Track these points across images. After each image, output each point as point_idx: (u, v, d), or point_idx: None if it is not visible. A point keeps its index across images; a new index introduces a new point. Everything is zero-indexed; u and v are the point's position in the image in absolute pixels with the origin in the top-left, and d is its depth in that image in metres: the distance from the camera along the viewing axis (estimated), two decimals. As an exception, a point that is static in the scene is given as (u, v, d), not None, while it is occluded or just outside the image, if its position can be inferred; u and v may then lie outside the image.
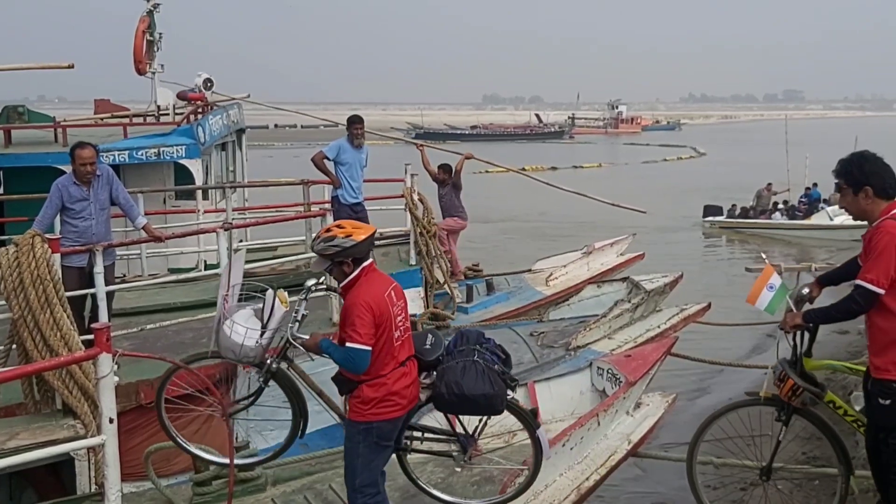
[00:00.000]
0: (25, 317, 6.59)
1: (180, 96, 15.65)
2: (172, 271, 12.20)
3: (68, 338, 6.68)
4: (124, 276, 11.76)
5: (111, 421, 4.54)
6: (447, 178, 14.40)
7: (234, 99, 16.75)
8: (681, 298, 12.52)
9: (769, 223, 30.27)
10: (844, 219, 28.77)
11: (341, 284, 5.37)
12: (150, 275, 11.47)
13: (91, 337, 5.01)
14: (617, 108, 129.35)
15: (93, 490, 6.50)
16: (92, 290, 7.85)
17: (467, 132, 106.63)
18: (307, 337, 5.54)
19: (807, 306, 5.70)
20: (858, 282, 5.03)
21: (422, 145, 15.76)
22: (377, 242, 13.21)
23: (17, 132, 13.78)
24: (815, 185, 31.42)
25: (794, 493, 6.25)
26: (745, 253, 28.35)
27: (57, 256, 7.09)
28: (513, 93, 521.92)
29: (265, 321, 5.67)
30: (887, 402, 5.03)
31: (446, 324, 12.06)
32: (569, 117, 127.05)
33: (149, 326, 8.69)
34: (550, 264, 15.78)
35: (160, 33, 15.63)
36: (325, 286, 6.17)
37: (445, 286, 13.23)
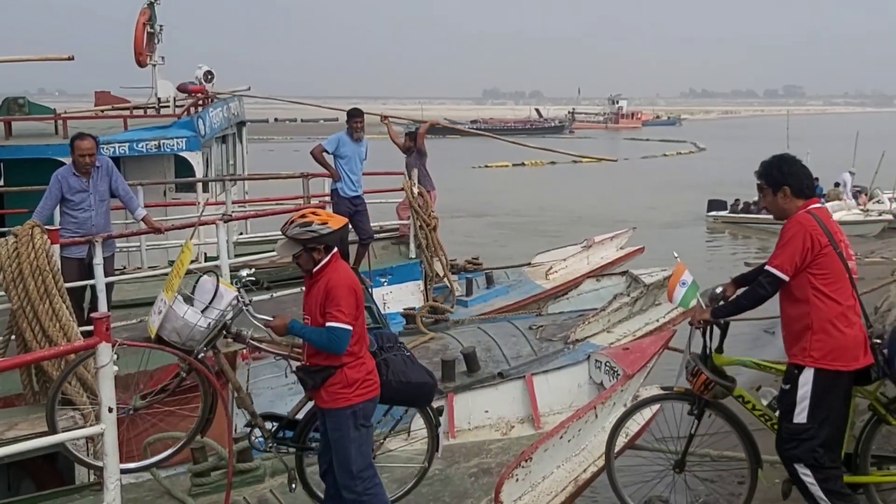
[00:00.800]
0: (24, 307, 6.59)
1: (181, 89, 15.65)
2: (172, 263, 12.19)
3: (67, 328, 6.69)
4: (124, 267, 11.77)
5: (111, 410, 4.54)
6: (412, 146, 14.42)
7: (234, 92, 16.76)
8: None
9: (770, 218, 30.21)
10: (843, 214, 28.80)
11: (311, 270, 5.40)
12: (149, 267, 11.47)
13: (90, 328, 5.02)
14: (617, 102, 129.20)
15: (91, 480, 6.51)
16: (91, 282, 7.86)
17: (467, 127, 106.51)
18: (269, 318, 5.56)
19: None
20: (766, 267, 5.29)
21: (386, 118, 15.76)
22: (377, 236, 13.29)
23: (17, 124, 13.78)
24: (816, 179, 31.35)
25: (708, 485, 6.32)
26: (747, 248, 28.34)
27: (56, 247, 7.10)
28: (513, 87, 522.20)
29: (209, 304, 5.73)
30: (787, 386, 5.30)
31: (445, 317, 12.07)
32: (569, 112, 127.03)
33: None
34: (550, 258, 15.80)
35: (161, 26, 15.64)
36: (254, 278, 6.16)
37: (445, 279, 13.26)
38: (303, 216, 5.43)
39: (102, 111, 16.26)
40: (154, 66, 15.59)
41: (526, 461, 6.30)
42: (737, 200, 31.57)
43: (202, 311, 5.77)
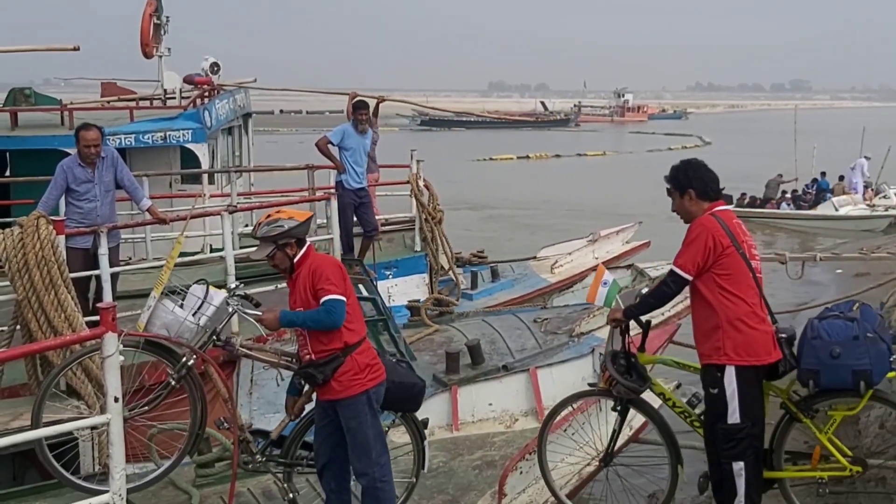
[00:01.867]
0: (30, 298, 6.62)
1: (187, 80, 15.65)
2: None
3: (72, 319, 6.71)
4: (130, 258, 11.78)
5: (116, 400, 4.55)
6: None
7: (241, 84, 16.75)
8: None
9: (776, 213, 30.17)
10: (849, 209, 28.76)
11: (294, 261, 5.52)
12: (154, 258, 11.48)
13: (96, 318, 5.03)
14: (623, 96, 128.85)
15: (97, 470, 6.52)
16: (96, 272, 7.86)
17: (473, 119, 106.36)
18: (259, 312, 5.67)
19: None
20: (671, 267, 5.44)
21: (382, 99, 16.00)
22: (383, 228, 13.29)
23: (23, 115, 13.78)
24: (823, 174, 31.32)
25: (633, 479, 6.39)
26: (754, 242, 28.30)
27: (61, 238, 7.11)
28: (519, 80, 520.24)
29: (200, 305, 5.77)
30: (715, 389, 5.38)
31: (450, 310, 12.08)
32: (575, 105, 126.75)
33: (153, 309, 8.70)
34: (555, 252, 15.81)
35: (167, 17, 15.62)
36: (243, 293, 6.22)
37: (450, 272, 13.27)
38: (269, 216, 5.56)
39: (109, 102, 16.26)
40: (160, 57, 15.57)
41: (530, 454, 6.32)
42: (743, 195, 31.49)
43: (193, 314, 5.81)
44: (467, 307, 12.62)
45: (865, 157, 30.21)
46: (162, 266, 9.87)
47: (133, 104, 15.34)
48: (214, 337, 5.80)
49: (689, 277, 5.32)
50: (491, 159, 59.13)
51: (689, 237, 5.37)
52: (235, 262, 8.59)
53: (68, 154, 8.82)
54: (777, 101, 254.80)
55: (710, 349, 5.38)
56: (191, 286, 6.13)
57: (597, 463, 6.18)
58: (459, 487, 6.64)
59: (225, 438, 6.52)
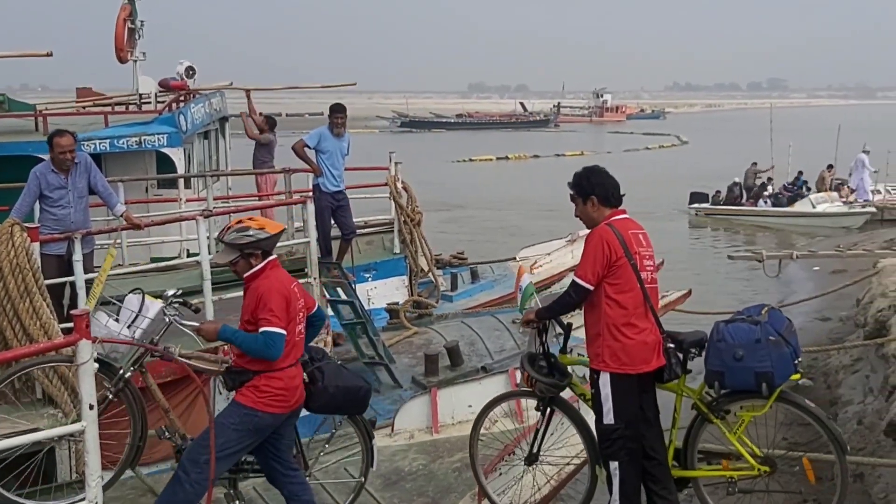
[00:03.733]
0: (4, 305, 6.56)
1: (162, 84, 15.59)
2: (155, 260, 12.16)
3: (48, 326, 6.66)
4: (105, 264, 11.72)
5: (91, 407, 4.53)
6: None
7: (216, 87, 16.70)
8: (666, 285, 12.57)
9: (753, 210, 30.37)
10: (826, 206, 28.95)
11: (245, 275, 5.46)
12: (130, 263, 11.42)
13: (70, 325, 5.00)
14: (602, 96, 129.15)
15: (74, 478, 6.49)
16: (71, 279, 7.81)
17: (453, 120, 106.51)
18: (197, 323, 5.62)
19: None
20: (572, 277, 5.58)
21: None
22: (361, 231, 13.28)
23: (-4, 121, 13.69)
24: (800, 173, 31.54)
25: (556, 479, 6.48)
26: (730, 240, 28.45)
27: (36, 245, 7.06)
28: (498, 81, 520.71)
29: (135, 317, 5.72)
30: (593, 390, 5.63)
31: (429, 311, 12.08)
32: (554, 106, 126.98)
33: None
34: (534, 252, 15.82)
35: (142, 21, 15.55)
36: (181, 300, 6.19)
37: (430, 274, 13.27)
38: (239, 222, 5.49)
39: (84, 107, 16.17)
40: (135, 62, 15.50)
41: (509, 455, 6.33)
42: (718, 192, 31.70)
43: (128, 326, 5.76)
44: (447, 309, 12.63)
45: (865, 152, 30.26)
46: (137, 271, 9.84)
47: (108, 109, 15.25)
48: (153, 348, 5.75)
49: (590, 287, 5.45)
50: (470, 160, 59.19)
51: (587, 247, 5.52)
52: (212, 267, 8.55)
53: (42, 160, 8.75)
54: (754, 100, 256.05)
55: (592, 354, 5.59)
56: (127, 295, 6.06)
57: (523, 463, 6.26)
58: (439, 490, 6.64)
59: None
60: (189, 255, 11.73)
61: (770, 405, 5.43)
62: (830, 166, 31.74)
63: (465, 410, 8.39)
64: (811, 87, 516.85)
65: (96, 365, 4.69)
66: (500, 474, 6.42)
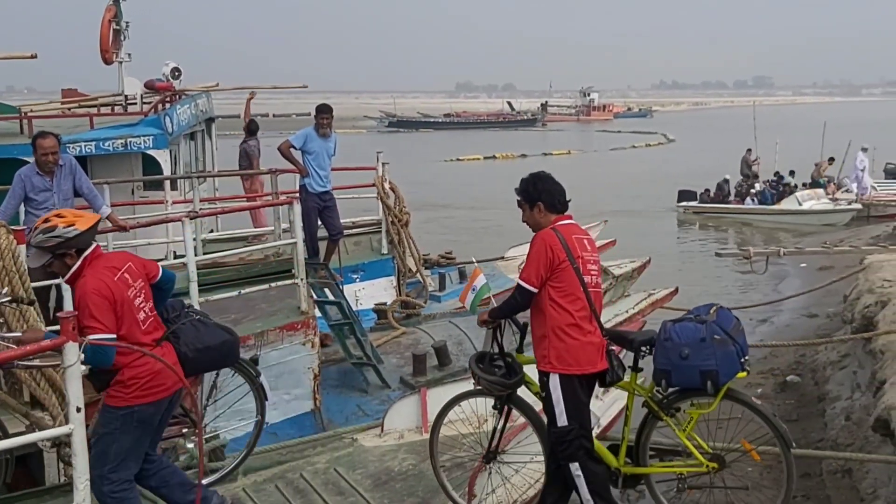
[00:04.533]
0: (-9, 308, 6.52)
1: (148, 86, 15.53)
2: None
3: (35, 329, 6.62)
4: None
5: (78, 410, 4.51)
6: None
7: (203, 88, 16.66)
8: (653, 283, 12.62)
9: (740, 208, 30.46)
10: (812, 203, 29.04)
11: (65, 278, 5.16)
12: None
13: (57, 328, 4.98)
14: (589, 95, 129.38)
15: (62, 481, 6.47)
16: (57, 281, 7.78)
17: (440, 120, 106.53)
18: (20, 333, 5.41)
19: None
20: (517, 280, 5.71)
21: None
22: (349, 232, 13.26)
23: (-19, 124, 13.62)
24: (792, 173, 31.66)
25: (514, 477, 6.48)
26: (718, 238, 28.52)
27: (22, 248, 7.03)
28: (486, 81, 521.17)
29: None
30: (544, 393, 5.71)
31: (417, 312, 12.08)
32: (541, 105, 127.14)
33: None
34: (523, 252, 15.74)
35: (127, 22, 15.49)
36: (9, 298, 5.98)
37: (418, 275, 13.26)
38: (46, 220, 5.13)
39: (69, 109, 16.09)
40: (121, 63, 15.45)
41: (498, 455, 6.34)
42: (706, 190, 31.76)
43: None
44: (436, 309, 12.63)
45: (863, 149, 30.29)
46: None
47: (94, 110, 15.19)
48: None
49: (534, 290, 5.57)
50: (458, 160, 59.18)
51: (531, 251, 5.63)
52: (199, 269, 8.54)
53: (27, 162, 8.73)
54: (740, 98, 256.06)
55: (539, 356, 5.68)
56: None
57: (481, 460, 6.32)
58: (429, 490, 6.64)
59: (192, 447, 6.48)
60: (176, 257, 11.72)
61: (718, 403, 5.52)
62: (832, 159, 31.75)
63: (453, 410, 8.39)
64: (797, 85, 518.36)
65: (84, 368, 4.66)
66: (490, 474, 6.43)
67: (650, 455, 5.87)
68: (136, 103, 15.53)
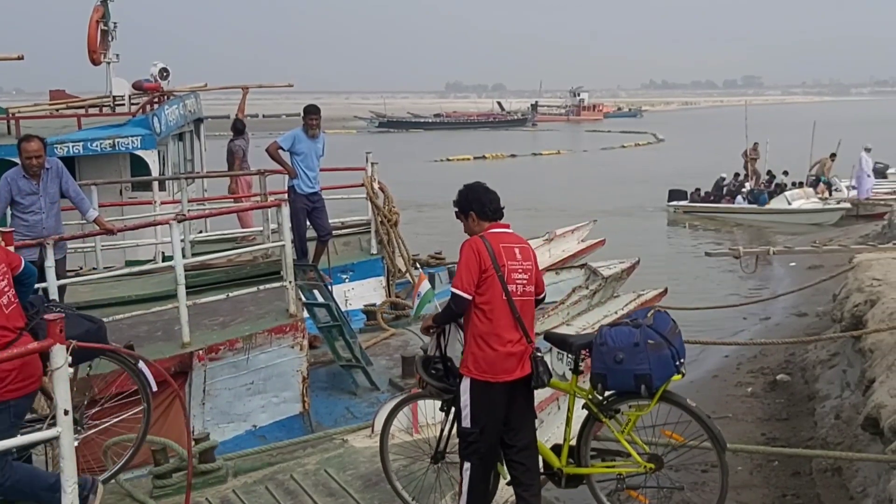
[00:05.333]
0: (-22, 311, 6.48)
1: (136, 86, 15.48)
2: (130, 263, 12.09)
3: (23, 332, 6.58)
4: (80, 268, 11.63)
5: (66, 413, 4.48)
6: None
7: (192, 88, 16.62)
8: (645, 283, 12.63)
9: (730, 208, 30.51)
10: (801, 203, 29.12)
11: None
12: (105, 267, 11.35)
13: (44, 330, 4.94)
14: (579, 95, 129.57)
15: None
16: (43, 285, 7.75)
17: (430, 120, 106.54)
18: None
19: None
20: (451, 289, 5.78)
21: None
22: (338, 232, 13.23)
23: (-33, 125, 13.55)
24: (785, 173, 31.70)
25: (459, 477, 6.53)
26: (708, 238, 28.56)
27: (11, 249, 7.00)
28: (476, 80, 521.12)
29: None
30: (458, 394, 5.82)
31: (406, 313, 12.05)
32: (531, 105, 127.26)
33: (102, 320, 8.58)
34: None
35: (115, 23, 15.44)
36: None
37: (407, 275, 13.24)
38: None
39: (57, 110, 16.04)
40: (109, 63, 15.39)
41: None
42: (697, 190, 31.82)
43: None
44: (425, 310, 12.59)
45: (865, 150, 30.25)
46: (112, 276, 9.76)
47: (81, 111, 15.14)
48: None
49: (466, 295, 5.64)
50: (448, 160, 59.16)
51: (460, 259, 5.73)
52: (187, 271, 8.51)
53: (14, 164, 8.68)
54: (730, 98, 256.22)
55: (469, 360, 5.74)
56: None
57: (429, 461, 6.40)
58: (420, 490, 6.62)
59: (181, 449, 6.46)
60: (164, 259, 11.68)
61: (654, 405, 5.63)
62: (833, 155, 31.74)
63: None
64: (786, 85, 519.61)
65: (71, 370, 4.64)
66: (409, 473, 6.53)
67: (593, 456, 5.99)
68: (124, 104, 15.47)
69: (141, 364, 5.85)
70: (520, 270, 5.76)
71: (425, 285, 7.02)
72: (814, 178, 31.36)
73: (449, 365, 6.02)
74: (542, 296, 6.06)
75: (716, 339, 13.97)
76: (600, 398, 5.80)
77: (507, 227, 5.95)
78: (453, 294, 5.69)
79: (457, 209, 6.03)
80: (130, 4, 17.73)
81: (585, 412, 5.99)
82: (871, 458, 8.15)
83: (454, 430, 6.08)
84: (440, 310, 6.13)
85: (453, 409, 6.10)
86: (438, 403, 6.23)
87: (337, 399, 9.57)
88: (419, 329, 6.38)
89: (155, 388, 5.96)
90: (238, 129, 15.66)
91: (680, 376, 5.61)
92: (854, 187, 30.02)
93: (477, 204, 5.92)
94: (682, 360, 5.60)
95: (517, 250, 5.81)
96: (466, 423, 5.73)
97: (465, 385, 5.73)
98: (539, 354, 5.74)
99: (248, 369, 8.48)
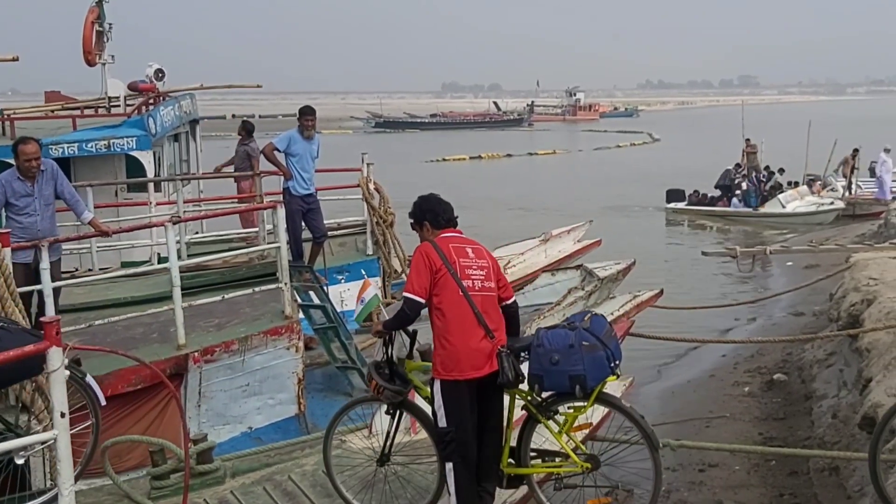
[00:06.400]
0: (-25, 312, 6.49)
1: (131, 87, 15.47)
2: (125, 265, 12.08)
3: (19, 334, 6.57)
4: (76, 269, 11.62)
5: (63, 415, 4.48)
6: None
7: (187, 89, 16.60)
8: (641, 284, 12.62)
9: (726, 210, 30.42)
10: (796, 205, 29.07)
11: None
12: (101, 269, 11.33)
13: (40, 332, 4.93)
14: (575, 95, 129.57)
15: (48, 486, 6.43)
16: (39, 287, 7.73)
17: (427, 120, 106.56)
18: None
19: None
20: (404, 294, 5.90)
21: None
22: (333, 233, 13.22)
23: (-38, 126, 13.52)
24: (781, 171, 31.66)
25: (409, 478, 6.63)
26: (705, 238, 28.55)
27: (7, 251, 6.99)
28: (472, 81, 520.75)
29: None
30: (431, 396, 5.97)
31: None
32: (527, 105, 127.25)
33: (97, 322, 8.57)
34: (508, 252, 15.81)
35: (110, 24, 15.42)
36: None
37: (403, 275, 13.23)
38: None
39: (52, 111, 16.01)
40: (104, 64, 15.37)
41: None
42: (695, 191, 31.77)
43: None
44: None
45: (885, 150, 30.06)
46: (107, 278, 9.74)
47: (77, 112, 15.11)
48: None
49: (421, 300, 5.79)
50: (444, 160, 59.15)
51: (412, 264, 5.94)
52: (183, 272, 8.50)
53: (9, 164, 8.67)
54: (726, 97, 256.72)
55: (438, 363, 5.87)
56: None
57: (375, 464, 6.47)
58: (418, 490, 6.63)
59: (179, 450, 6.46)
60: (160, 260, 11.67)
61: (591, 405, 5.74)
62: (856, 150, 31.43)
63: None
64: (782, 84, 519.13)
65: (67, 372, 4.63)
66: (355, 475, 6.58)
67: (533, 456, 6.08)
68: (119, 105, 15.45)
69: (89, 378, 5.87)
70: (474, 267, 5.91)
71: (370, 291, 7.07)
72: (841, 179, 30.99)
73: (395, 368, 6.17)
74: (513, 300, 6.17)
75: (712, 338, 14.03)
76: (539, 399, 5.90)
77: (459, 232, 6.15)
78: (405, 298, 5.81)
79: (412, 220, 6.21)
80: (126, 5, 17.66)
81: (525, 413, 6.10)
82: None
83: (401, 434, 6.34)
84: (386, 315, 6.29)
85: (397, 413, 6.30)
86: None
87: (333, 401, 9.55)
88: (370, 333, 6.47)
89: (104, 403, 5.97)
90: (249, 130, 15.60)
91: (615, 378, 5.76)
92: (870, 187, 29.86)
93: (430, 214, 6.12)
94: (617, 362, 5.71)
95: (469, 249, 5.99)
96: (443, 422, 5.85)
97: (436, 387, 5.85)
98: (505, 351, 5.80)
99: (243, 371, 8.48)
